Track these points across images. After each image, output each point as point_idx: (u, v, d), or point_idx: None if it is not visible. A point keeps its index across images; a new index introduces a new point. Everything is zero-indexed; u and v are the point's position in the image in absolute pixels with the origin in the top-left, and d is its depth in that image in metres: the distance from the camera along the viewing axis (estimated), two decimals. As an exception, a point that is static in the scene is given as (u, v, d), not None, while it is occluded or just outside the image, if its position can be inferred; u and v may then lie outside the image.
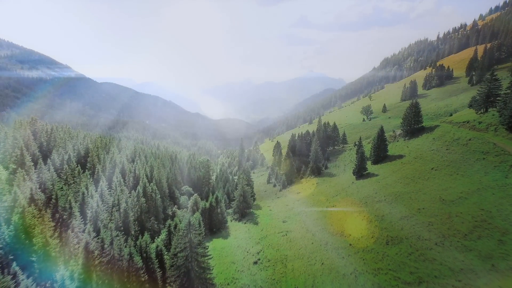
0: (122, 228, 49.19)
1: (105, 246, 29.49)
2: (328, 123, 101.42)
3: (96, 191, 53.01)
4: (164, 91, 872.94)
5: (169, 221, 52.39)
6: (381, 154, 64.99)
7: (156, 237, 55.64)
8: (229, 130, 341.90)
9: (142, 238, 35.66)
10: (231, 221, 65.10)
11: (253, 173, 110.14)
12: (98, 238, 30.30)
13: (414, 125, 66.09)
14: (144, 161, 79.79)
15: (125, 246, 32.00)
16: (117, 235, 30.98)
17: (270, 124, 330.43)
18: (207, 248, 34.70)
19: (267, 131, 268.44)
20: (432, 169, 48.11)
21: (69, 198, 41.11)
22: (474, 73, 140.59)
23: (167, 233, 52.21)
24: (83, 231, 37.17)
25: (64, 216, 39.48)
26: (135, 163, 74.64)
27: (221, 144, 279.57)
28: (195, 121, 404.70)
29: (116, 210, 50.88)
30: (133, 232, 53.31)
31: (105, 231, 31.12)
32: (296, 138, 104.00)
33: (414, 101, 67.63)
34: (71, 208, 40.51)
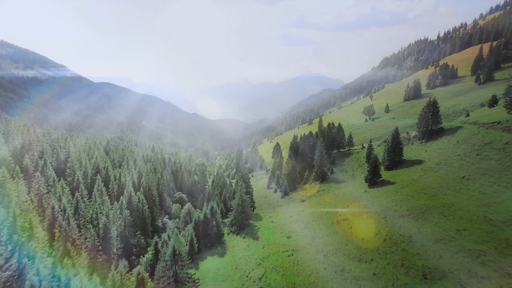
0: (100, 247, 42.00)
1: (61, 285, 22.38)
2: (332, 123, 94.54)
3: (70, 203, 45.66)
4: (162, 91, 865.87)
5: (155, 238, 45.13)
6: (396, 158, 58.26)
7: (141, 256, 48.48)
8: (227, 131, 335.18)
9: (116, 270, 28.47)
10: (228, 234, 58.00)
11: (252, 176, 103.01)
12: (53, 277, 23.01)
13: (431, 126, 59.44)
14: (132, 166, 72.32)
15: (91, 283, 24.95)
16: (77, 274, 23.69)
17: (269, 125, 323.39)
18: (197, 283, 27.67)
19: (266, 132, 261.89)
20: (463, 178, 41.17)
21: (29, 216, 33.74)
22: (480, 71, 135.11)
23: (153, 251, 44.93)
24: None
25: (23, 239, 32.24)
26: (121, 168, 67.36)
27: (219, 145, 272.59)
28: (192, 122, 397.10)
29: (93, 227, 43.58)
30: (115, 250, 46.17)
31: (62, 267, 23.91)
32: (298, 139, 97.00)
33: (431, 99, 60.97)
34: (32, 228, 33.22)
